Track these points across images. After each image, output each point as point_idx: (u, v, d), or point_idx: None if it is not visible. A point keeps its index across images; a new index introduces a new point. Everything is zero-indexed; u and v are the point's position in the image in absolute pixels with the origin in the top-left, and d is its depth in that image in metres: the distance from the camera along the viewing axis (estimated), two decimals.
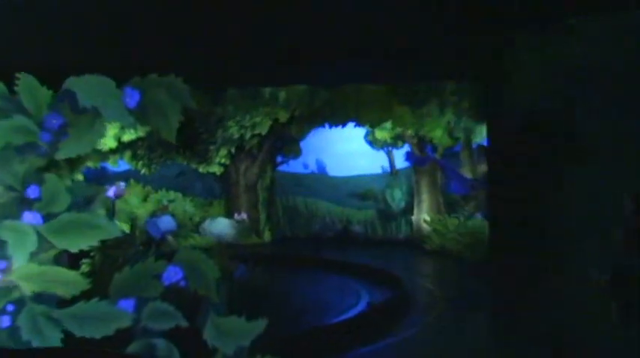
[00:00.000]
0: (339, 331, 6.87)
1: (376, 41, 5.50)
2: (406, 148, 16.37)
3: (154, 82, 3.06)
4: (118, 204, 17.68)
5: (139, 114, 3.04)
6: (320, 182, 19.17)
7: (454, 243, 13.29)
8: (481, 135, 13.21)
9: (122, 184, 17.03)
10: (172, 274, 3.13)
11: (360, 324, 7.26)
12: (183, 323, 3.13)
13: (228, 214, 17.93)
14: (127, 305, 3.13)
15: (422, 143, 15.16)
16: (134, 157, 17.58)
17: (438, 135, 14.00)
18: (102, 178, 18.01)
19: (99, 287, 3.09)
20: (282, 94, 13.90)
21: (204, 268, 3.22)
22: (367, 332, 6.98)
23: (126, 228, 17.15)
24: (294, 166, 19.17)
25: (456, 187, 14.20)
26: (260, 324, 3.27)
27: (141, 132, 16.33)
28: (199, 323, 3.26)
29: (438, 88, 12.37)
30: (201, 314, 3.31)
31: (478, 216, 13.74)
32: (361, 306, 8.21)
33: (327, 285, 10.21)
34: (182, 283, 3.15)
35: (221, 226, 17.57)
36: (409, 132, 14.95)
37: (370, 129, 16.78)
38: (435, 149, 14.90)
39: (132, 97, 3.00)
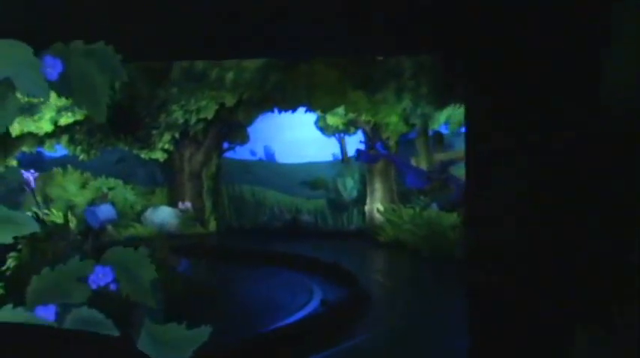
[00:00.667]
0: (291, 334, 6.54)
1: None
2: (360, 136, 16.13)
3: (80, 51, 2.64)
4: (55, 192, 17.05)
5: (62, 88, 2.62)
6: (268, 170, 18.81)
7: (409, 234, 13.12)
8: (438, 122, 13.07)
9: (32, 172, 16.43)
10: (101, 276, 2.76)
11: (313, 326, 6.95)
12: (114, 333, 2.75)
13: (172, 203, 17.42)
14: (47, 312, 2.74)
15: (375, 130, 14.92)
16: (72, 142, 16.85)
17: (393, 121, 13.79)
18: (38, 164, 17.28)
19: (23, 285, 2.72)
20: (230, 76, 13.44)
21: (137, 269, 2.83)
22: (321, 335, 6.67)
23: (62, 217, 16.53)
24: (241, 153, 18.74)
25: (412, 181, 14.05)
26: (203, 332, 2.90)
27: (79, 115, 15.69)
28: (132, 332, 2.87)
29: (394, 72, 12.13)
30: (135, 322, 2.92)
31: (434, 206, 13.61)
32: (314, 305, 7.90)
33: (277, 281, 9.86)
34: (112, 286, 2.79)
35: (164, 215, 17.05)
36: (363, 118, 14.69)
37: (321, 114, 16.46)
38: (385, 145, 14.69)
39: (53, 67, 2.59)
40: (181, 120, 15.84)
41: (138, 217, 17.00)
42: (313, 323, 7.01)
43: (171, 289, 7.76)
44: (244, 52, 6.14)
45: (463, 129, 14.38)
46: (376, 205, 15.56)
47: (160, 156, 16.67)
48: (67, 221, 9.99)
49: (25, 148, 15.89)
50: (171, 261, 7.93)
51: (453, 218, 12.39)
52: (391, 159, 14.79)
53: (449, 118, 13.10)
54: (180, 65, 13.33)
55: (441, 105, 11.68)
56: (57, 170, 17.20)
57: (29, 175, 17.14)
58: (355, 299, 8.31)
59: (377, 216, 15.30)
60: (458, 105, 11.52)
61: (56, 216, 16.55)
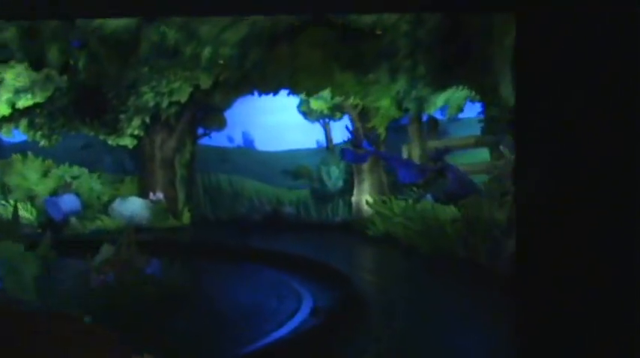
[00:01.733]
0: (281, 351, 5.59)
1: None
2: (346, 123, 15.19)
3: None
4: (14, 181, 15.91)
5: None
6: (247, 157, 17.95)
7: (401, 229, 12.22)
8: (434, 106, 12.17)
9: None
10: None
11: (306, 338, 6.01)
12: None
13: (142, 193, 16.36)
14: None
15: (363, 116, 13.99)
16: (31, 126, 15.73)
17: (385, 105, 12.85)
18: None
19: None
20: (206, 53, 12.39)
21: (21, 265, 2.46)
22: (317, 350, 5.74)
23: (24, 207, 15.41)
24: (217, 139, 17.76)
25: (405, 176, 13.16)
26: None
27: (39, 97, 14.59)
28: None
29: (388, 51, 11.20)
30: None
31: (428, 197, 12.74)
32: (305, 312, 6.95)
33: (259, 283, 8.88)
34: None
35: (133, 207, 15.97)
36: (350, 102, 13.75)
37: (305, 98, 15.51)
38: (373, 141, 13.77)
39: None
40: (152, 104, 14.82)
41: (105, 209, 15.91)
42: (308, 336, 6.07)
43: (139, 294, 6.80)
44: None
45: (462, 115, 13.65)
46: (364, 196, 14.67)
47: (128, 142, 15.62)
48: (16, 214, 8.94)
49: None
50: (139, 261, 6.94)
51: (450, 211, 11.52)
52: (380, 156, 13.88)
53: (447, 102, 12.21)
54: (149, 39, 12.24)
55: (440, 86, 10.76)
56: (16, 157, 16.04)
57: None
58: (351, 306, 7.38)
59: (365, 208, 14.40)
60: (460, 88, 10.68)
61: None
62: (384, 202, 13.42)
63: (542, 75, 4.03)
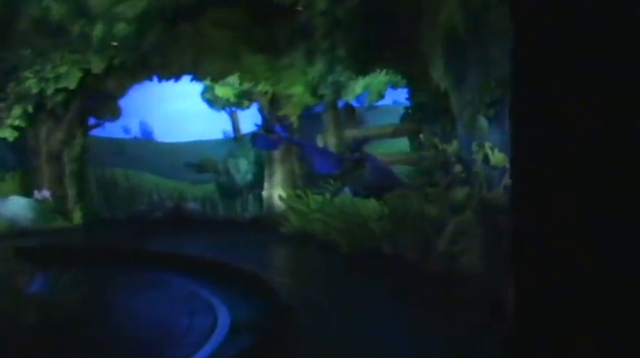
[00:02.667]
0: None
1: None
2: (255, 112, 14.34)
3: None
4: None
5: None
6: (145, 149, 16.89)
7: (319, 225, 11.49)
8: (353, 93, 11.50)
9: None
10: None
11: None
12: None
13: (26, 191, 14.91)
14: None
15: (274, 103, 13.17)
16: None
17: (298, 91, 12.09)
18: None
19: None
20: (97, 32, 11.18)
21: None
22: None
23: None
24: (111, 130, 16.73)
25: (322, 167, 12.42)
26: None
27: None
28: None
29: (304, 31, 10.42)
30: None
31: (347, 191, 12.09)
32: (223, 330, 6.07)
33: (166, 296, 7.92)
34: None
35: (16, 207, 14.52)
36: (259, 88, 12.90)
37: (210, 84, 14.56)
38: (285, 126, 12.98)
39: None
40: (35, 90, 13.45)
41: None
42: None
43: (20, 320, 5.74)
44: None
45: (385, 102, 13.11)
46: (276, 190, 13.88)
47: (8, 134, 14.15)
48: None
49: None
50: (19, 281, 5.86)
51: (372, 205, 10.90)
52: (295, 143, 13.09)
53: (367, 88, 11.59)
54: (29, 15, 10.90)
55: (361, 71, 10.09)
56: None
57: None
58: (278, 319, 6.57)
59: (277, 203, 13.62)
60: (383, 72, 10.05)
61: None
62: (298, 197, 12.66)
63: (541, 61, 3.38)
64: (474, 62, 6.48)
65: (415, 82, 9.33)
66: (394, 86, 11.45)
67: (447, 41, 7.12)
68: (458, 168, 7.71)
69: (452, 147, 7.91)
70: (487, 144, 7.17)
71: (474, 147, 7.35)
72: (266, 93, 12.97)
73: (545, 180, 3.33)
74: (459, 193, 7.59)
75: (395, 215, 9.39)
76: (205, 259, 9.90)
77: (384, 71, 10.20)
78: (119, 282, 8.51)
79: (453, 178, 7.79)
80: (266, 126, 13.17)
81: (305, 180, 13.62)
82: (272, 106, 13.31)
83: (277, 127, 12.96)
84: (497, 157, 7.05)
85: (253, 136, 13.58)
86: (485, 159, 7.20)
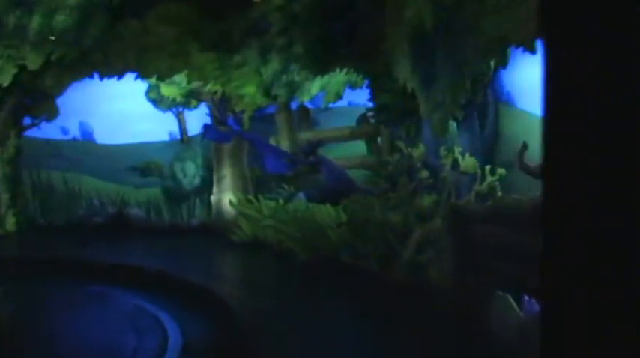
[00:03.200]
0: None
1: None
2: (203, 113, 13.78)
3: None
4: None
5: None
6: (85, 151, 16.12)
7: (272, 232, 11.04)
8: (308, 94, 11.07)
9: None
10: None
11: None
12: None
13: None
14: None
15: (223, 102, 12.64)
16: None
17: (250, 92, 11.58)
18: None
19: None
20: (34, 25, 10.47)
21: None
22: None
23: None
24: (48, 131, 15.82)
25: (272, 166, 11.90)
26: None
27: None
28: None
29: (258, 27, 9.95)
30: None
31: (301, 196, 11.65)
32: (174, 351, 5.56)
33: (110, 312, 7.34)
34: None
35: None
36: (208, 88, 12.35)
37: (155, 83, 13.93)
38: (238, 119, 12.47)
39: None
40: None
41: None
42: None
43: None
44: None
45: (340, 103, 12.71)
46: (225, 195, 13.33)
47: None
48: None
49: None
50: None
51: (327, 211, 10.51)
52: (246, 138, 12.56)
53: (323, 88, 11.17)
54: None
55: (320, 70, 9.68)
56: None
57: None
58: (232, 336, 6.09)
59: (227, 209, 13.09)
60: (343, 72, 9.66)
61: None
62: (249, 202, 12.16)
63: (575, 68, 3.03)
64: (445, 61, 6.14)
65: (378, 81, 8.97)
66: (353, 86, 11.09)
67: (414, 39, 6.76)
68: (424, 173, 7.39)
69: (418, 151, 7.59)
70: (456, 149, 6.85)
71: (442, 151, 7.04)
72: (215, 92, 12.42)
73: (580, 192, 2.95)
74: (426, 200, 7.25)
75: (354, 222, 9.02)
76: (150, 270, 9.34)
77: (344, 71, 9.81)
78: (55, 297, 7.88)
79: (418, 184, 7.46)
80: (217, 118, 12.60)
81: (256, 185, 13.12)
82: (221, 107, 12.78)
83: (230, 120, 12.42)
84: (468, 162, 6.74)
85: (203, 127, 12.96)
86: (455, 165, 6.88)
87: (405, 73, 7.06)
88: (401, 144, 8.16)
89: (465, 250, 6.32)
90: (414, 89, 6.87)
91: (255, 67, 11.11)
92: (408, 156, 7.73)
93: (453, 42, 6.09)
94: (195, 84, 12.83)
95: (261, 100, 11.92)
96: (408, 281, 7.53)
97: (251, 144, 12.70)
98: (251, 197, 12.27)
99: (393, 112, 8.68)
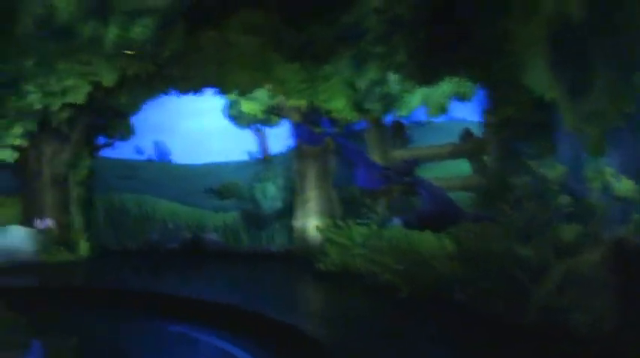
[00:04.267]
0: None
1: None
2: (284, 130, 13.02)
3: None
4: None
5: None
6: (160, 172, 15.69)
7: (365, 262, 10.07)
8: (407, 107, 10.08)
9: None
10: None
11: None
12: None
13: (27, 219, 13.63)
14: None
15: (311, 118, 11.81)
16: None
17: (338, 106, 10.72)
18: None
19: None
20: (110, 36, 9.81)
21: None
22: None
23: None
24: (122, 151, 15.60)
25: (362, 178, 11.02)
26: None
27: None
28: None
29: (353, 33, 9.03)
30: None
31: (396, 221, 10.65)
32: None
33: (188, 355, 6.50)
34: None
35: (16, 238, 13.25)
36: (291, 102, 11.54)
37: (234, 99, 13.28)
38: (333, 123, 11.62)
39: None
40: (39, 106, 12.16)
41: None
42: None
43: None
44: None
45: (445, 118, 11.69)
46: (310, 219, 12.48)
47: (8, 155, 12.86)
48: None
49: None
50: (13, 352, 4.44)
51: (430, 240, 9.46)
52: (339, 142, 11.70)
53: (425, 101, 10.18)
54: (30, 15, 9.55)
55: (428, 79, 8.64)
56: None
57: None
58: None
59: (311, 234, 12.22)
60: (453, 80, 8.63)
61: None
62: (338, 227, 11.24)
63: None
64: (604, 64, 5.06)
65: (499, 91, 7.90)
66: (461, 99, 10.06)
67: (556, 37, 5.68)
68: (563, 198, 6.28)
69: (554, 172, 6.48)
70: (607, 170, 5.73)
71: (589, 173, 5.92)
72: (299, 108, 11.61)
73: None
74: (567, 231, 6.13)
75: (468, 253, 7.92)
76: (234, 308, 8.46)
77: (451, 80, 8.78)
78: (131, 335, 7.11)
79: (555, 211, 6.35)
80: (310, 118, 11.71)
81: (345, 208, 12.18)
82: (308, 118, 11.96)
83: (323, 121, 11.54)
84: (624, 186, 5.60)
85: (294, 126, 12.12)
86: (606, 188, 5.76)
87: (541, 80, 5.97)
88: (532, 163, 7.05)
89: (631, 293, 5.19)
90: (555, 99, 5.79)
91: (346, 78, 10.20)
92: (541, 177, 6.62)
93: (614, 40, 4.99)
94: (277, 99, 12.07)
95: (351, 115, 11.03)
96: (542, 327, 6.39)
97: (342, 151, 11.83)
98: (340, 221, 11.33)
99: (519, 127, 7.59)
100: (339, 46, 9.52)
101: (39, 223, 13.51)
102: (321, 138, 11.77)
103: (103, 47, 10.08)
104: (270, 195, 13.95)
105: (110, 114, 14.31)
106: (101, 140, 15.10)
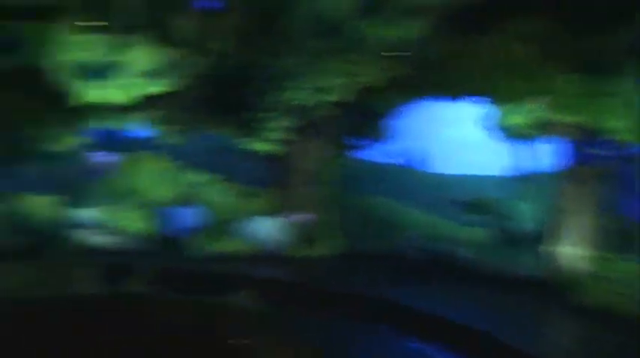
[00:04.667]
0: None
1: None
2: (550, 147, 12.03)
3: None
4: (124, 184, 14.17)
5: None
6: (410, 179, 15.38)
7: (632, 304, 8.92)
8: None
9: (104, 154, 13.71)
10: None
11: None
12: None
13: (279, 212, 14.00)
14: None
15: (587, 138, 10.74)
16: (160, 119, 13.94)
17: (619, 126, 9.59)
18: (110, 143, 14.56)
19: None
20: (379, 35, 9.59)
21: None
22: None
23: (136, 217, 13.55)
24: (375, 153, 15.55)
25: (634, 207, 9.83)
26: None
27: (168, 85, 12.52)
28: None
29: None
30: None
31: None
32: None
33: None
34: None
35: (265, 228, 13.70)
36: (567, 118, 10.55)
37: (496, 109, 12.57)
38: (607, 144, 10.51)
39: None
40: (306, 102, 12.38)
41: (232, 227, 13.72)
42: None
43: None
44: None
45: None
46: (567, 246, 11.40)
47: (268, 148, 13.25)
48: None
49: (93, 123, 13.09)
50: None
51: None
52: (616, 165, 10.60)
53: None
54: (303, 11, 9.60)
55: None
56: (134, 155, 14.28)
57: (103, 158, 14.33)
58: None
59: (570, 263, 11.17)
60: None
61: (124, 218, 13.59)
62: (605, 260, 10.12)
63: None
64: None
65: None
66: None
67: None
68: None
69: None
70: None
71: None
72: (574, 125, 10.59)
73: None
74: None
75: None
76: (479, 331, 7.87)
77: None
78: (367, 344, 6.82)
79: None
80: (586, 137, 10.66)
81: (610, 240, 10.95)
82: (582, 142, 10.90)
83: (598, 141, 10.51)
84: None
85: (567, 146, 11.08)
86: None
87: None
88: None
89: None
90: None
91: (629, 95, 9.12)
92: None
93: None
94: (547, 113, 11.15)
95: (632, 137, 9.84)
96: None
97: (619, 177, 10.66)
98: (607, 254, 10.20)
99: None
100: (628, 59, 8.47)
101: (291, 216, 13.82)
102: (599, 160, 10.68)
103: (368, 46, 9.93)
104: (528, 215, 12.99)
105: (368, 116, 14.23)
106: (353, 140, 15.09)
